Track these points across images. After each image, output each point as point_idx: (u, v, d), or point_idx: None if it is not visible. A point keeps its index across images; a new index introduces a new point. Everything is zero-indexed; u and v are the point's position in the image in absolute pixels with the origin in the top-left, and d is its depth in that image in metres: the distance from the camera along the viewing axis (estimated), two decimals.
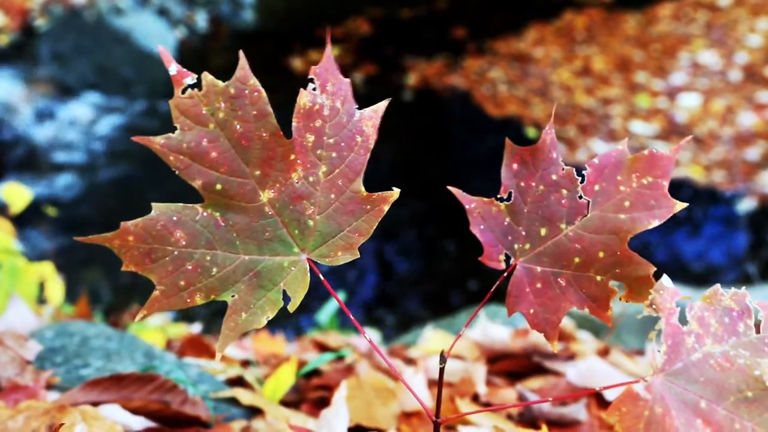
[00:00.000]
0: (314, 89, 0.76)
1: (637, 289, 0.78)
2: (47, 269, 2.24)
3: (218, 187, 0.75)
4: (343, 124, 0.77)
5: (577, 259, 0.79)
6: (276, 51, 6.90)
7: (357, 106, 0.77)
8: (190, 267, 0.75)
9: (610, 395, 1.40)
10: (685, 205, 0.77)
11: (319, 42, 6.96)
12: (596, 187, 0.79)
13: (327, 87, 0.76)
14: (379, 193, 0.78)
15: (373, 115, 0.78)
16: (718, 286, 0.79)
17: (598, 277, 0.78)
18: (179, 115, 0.73)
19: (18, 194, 2.51)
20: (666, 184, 0.77)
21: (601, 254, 0.78)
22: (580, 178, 0.79)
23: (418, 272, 4.77)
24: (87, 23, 6.72)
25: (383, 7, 7.63)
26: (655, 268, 0.77)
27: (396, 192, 0.78)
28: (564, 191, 0.80)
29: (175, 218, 0.75)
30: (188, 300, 0.75)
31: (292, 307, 0.77)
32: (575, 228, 0.79)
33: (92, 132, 5.79)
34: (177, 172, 0.74)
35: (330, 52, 0.76)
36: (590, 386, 1.46)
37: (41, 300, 2.28)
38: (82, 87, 6.21)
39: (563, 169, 0.80)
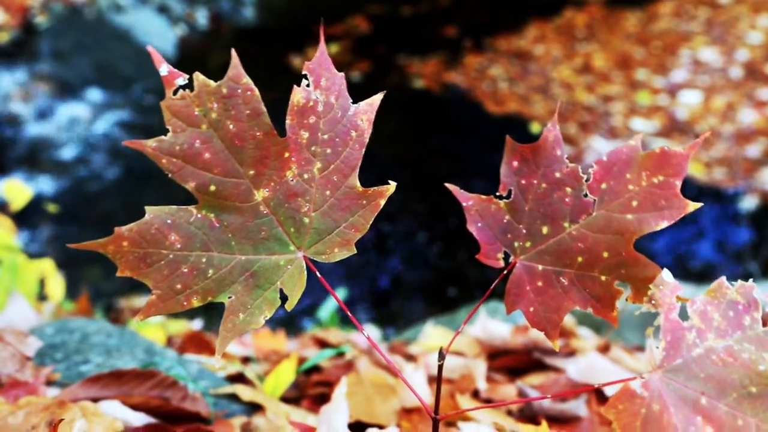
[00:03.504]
0: (308, 86, 0.75)
1: (643, 290, 0.76)
2: (48, 266, 2.24)
3: (212, 188, 0.74)
4: (337, 120, 0.75)
5: (580, 259, 0.77)
6: (276, 48, 6.89)
7: (351, 101, 0.76)
8: (185, 270, 0.74)
9: (610, 391, 1.40)
10: (699, 205, 0.73)
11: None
12: (603, 185, 0.77)
13: (321, 82, 0.75)
14: (375, 187, 0.77)
15: (368, 109, 0.76)
16: (723, 278, 0.76)
17: (603, 277, 0.77)
18: (171, 117, 0.71)
19: (18, 191, 2.51)
20: (679, 183, 0.74)
21: (605, 254, 0.76)
22: (585, 176, 0.77)
23: (419, 268, 4.77)
24: (87, 20, 6.72)
25: (384, 5, 7.62)
26: (662, 270, 0.75)
27: (392, 186, 0.77)
28: (568, 189, 0.78)
29: (169, 221, 0.74)
30: (185, 303, 0.74)
31: (289, 306, 0.76)
32: (579, 227, 0.78)
33: (93, 129, 5.79)
34: (170, 175, 0.72)
35: (324, 47, 0.75)
36: (590, 382, 1.46)
37: (42, 297, 2.28)
38: (82, 84, 6.21)
39: (567, 166, 0.78)
